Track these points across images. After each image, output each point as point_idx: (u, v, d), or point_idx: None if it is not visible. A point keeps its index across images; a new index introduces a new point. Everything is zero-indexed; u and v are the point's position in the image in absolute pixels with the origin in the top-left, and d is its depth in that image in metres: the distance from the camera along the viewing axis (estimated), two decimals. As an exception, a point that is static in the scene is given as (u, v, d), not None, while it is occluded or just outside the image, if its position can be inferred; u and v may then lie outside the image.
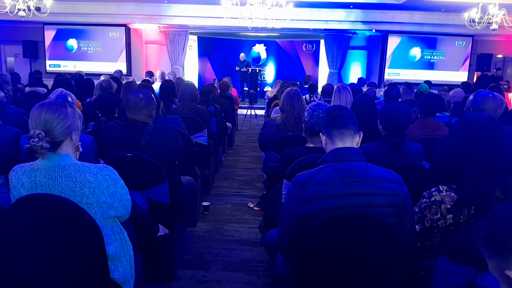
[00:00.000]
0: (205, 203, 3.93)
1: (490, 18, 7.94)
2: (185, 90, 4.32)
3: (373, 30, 11.48)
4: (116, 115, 3.66)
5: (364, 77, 11.19)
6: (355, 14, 10.51)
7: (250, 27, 9.33)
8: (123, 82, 6.60)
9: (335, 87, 4.37)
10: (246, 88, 11.93)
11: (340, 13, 10.51)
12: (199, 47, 13.26)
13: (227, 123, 5.83)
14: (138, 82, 6.29)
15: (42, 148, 1.49)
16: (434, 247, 1.69)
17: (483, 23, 8.06)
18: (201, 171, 3.76)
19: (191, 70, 13.06)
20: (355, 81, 9.07)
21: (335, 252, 1.58)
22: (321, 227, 1.54)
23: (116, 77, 7.03)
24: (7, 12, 7.67)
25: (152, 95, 2.67)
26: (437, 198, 1.62)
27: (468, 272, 1.42)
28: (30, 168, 1.59)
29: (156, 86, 6.67)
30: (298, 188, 1.60)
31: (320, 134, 1.83)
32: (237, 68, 11.90)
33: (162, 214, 2.39)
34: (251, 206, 4.12)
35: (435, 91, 6.63)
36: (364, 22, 10.86)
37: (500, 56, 12.67)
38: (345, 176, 1.58)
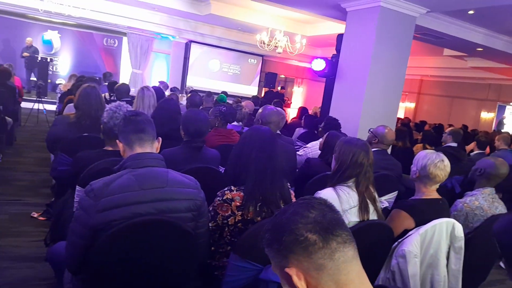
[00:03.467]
0: (-30, 214, 3.20)
1: (276, 43, 9.22)
2: None
3: (177, 37, 11.76)
4: None
5: (167, 81, 11.33)
6: (160, 17, 10.54)
7: (41, 9, 8.21)
8: None
9: (139, 88, 4.23)
10: (34, 79, 10.39)
11: (145, 13, 10.37)
12: (-29, 23, 10.87)
13: (6, 117, 4.94)
14: None
15: None
16: (225, 245, 1.83)
17: (271, 46, 9.28)
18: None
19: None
20: (157, 84, 9.08)
21: (130, 262, 1.51)
22: (115, 238, 1.44)
23: None
24: None
25: None
26: (228, 197, 1.77)
27: (254, 267, 1.59)
28: None
29: None
30: (92, 197, 1.46)
31: (117, 141, 1.74)
32: (25, 54, 10.22)
33: None
34: (35, 216, 3.57)
35: (230, 101, 7.26)
36: (168, 27, 11.01)
37: (283, 76, 14.86)
38: (145, 182, 1.54)
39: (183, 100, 6.80)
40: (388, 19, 5.05)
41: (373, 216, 2.00)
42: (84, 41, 12.28)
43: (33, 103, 8.07)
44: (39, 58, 10.35)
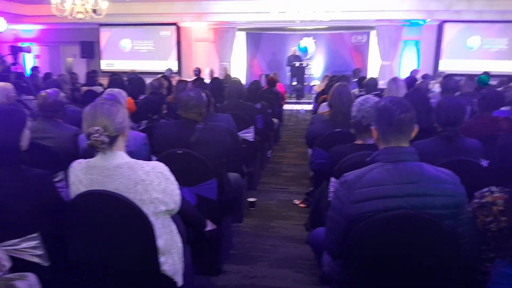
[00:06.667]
0: (251, 199, 3.96)
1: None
2: (232, 87, 4.37)
3: (428, 20, 10.95)
4: (165, 111, 3.79)
5: (418, 68, 10.70)
6: (409, 3, 10.07)
7: (297, 20, 9.23)
8: (173, 80, 6.83)
9: (389, 79, 4.20)
10: (295, 83, 11.80)
11: (393, 2, 10.12)
12: (247, 43, 13.34)
13: (273, 119, 5.84)
14: (189, 79, 6.47)
15: (103, 143, 1.59)
16: (489, 252, 1.60)
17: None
18: (247, 168, 3.79)
19: (239, 66, 13.18)
20: (408, 73, 8.71)
21: (385, 255, 1.53)
22: (371, 229, 1.49)
23: (166, 75, 7.29)
24: (65, 15, 8.17)
25: (203, 94, 2.73)
26: (488, 200, 1.54)
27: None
28: (86, 165, 1.69)
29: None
30: (346, 188, 1.56)
31: (372, 127, 1.71)
32: (297, 64, 11.61)
33: (210, 210, 2.45)
34: (296, 203, 4.10)
35: (494, 83, 6.22)
36: (418, 11, 10.38)
37: None
38: (398, 177, 1.52)
39: (435, 87, 6.30)
40: None
41: None
42: (335, 42, 13.04)
43: (293, 105, 9.21)
44: (297, 65, 11.66)
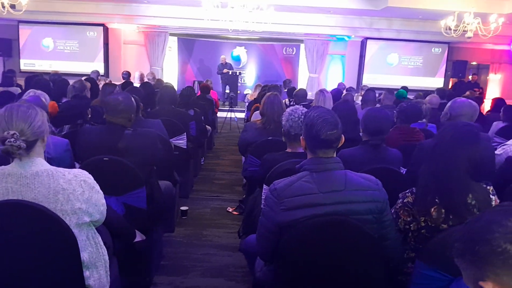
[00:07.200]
0: (183, 208, 3.88)
1: (465, 26, 8.16)
2: (164, 92, 4.27)
3: (352, 36, 11.65)
4: (90, 116, 3.60)
5: (343, 82, 11.33)
6: (335, 19, 10.63)
7: (230, 29, 9.32)
8: (101, 83, 6.50)
9: (317, 91, 4.43)
10: (228, 91, 11.86)
11: (320, 18, 10.62)
12: (179, 49, 13.15)
13: (206, 126, 5.79)
14: (117, 83, 6.20)
15: (19, 148, 1.46)
16: (410, 251, 1.72)
17: (458, 31, 8.27)
18: (179, 175, 3.71)
19: (171, 71, 12.94)
20: (334, 86, 9.17)
21: (314, 259, 1.58)
22: (300, 235, 1.54)
23: (92, 77, 6.92)
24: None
25: (132, 98, 2.63)
26: (409, 200, 1.65)
27: (443, 277, 1.45)
28: (1, 173, 1.54)
29: (135, 87, 6.52)
30: (276, 196, 1.60)
31: (301, 138, 1.76)
32: (225, 71, 11.67)
33: (139, 220, 2.35)
34: (230, 210, 4.10)
35: (411, 97, 6.77)
36: (343, 27, 11.01)
37: (474, 63, 13.06)
38: (323, 186, 1.58)
39: (359, 100, 6.69)
40: None
41: None
42: (267, 52, 13.37)
43: (226, 113, 9.24)
44: (230, 73, 11.76)
